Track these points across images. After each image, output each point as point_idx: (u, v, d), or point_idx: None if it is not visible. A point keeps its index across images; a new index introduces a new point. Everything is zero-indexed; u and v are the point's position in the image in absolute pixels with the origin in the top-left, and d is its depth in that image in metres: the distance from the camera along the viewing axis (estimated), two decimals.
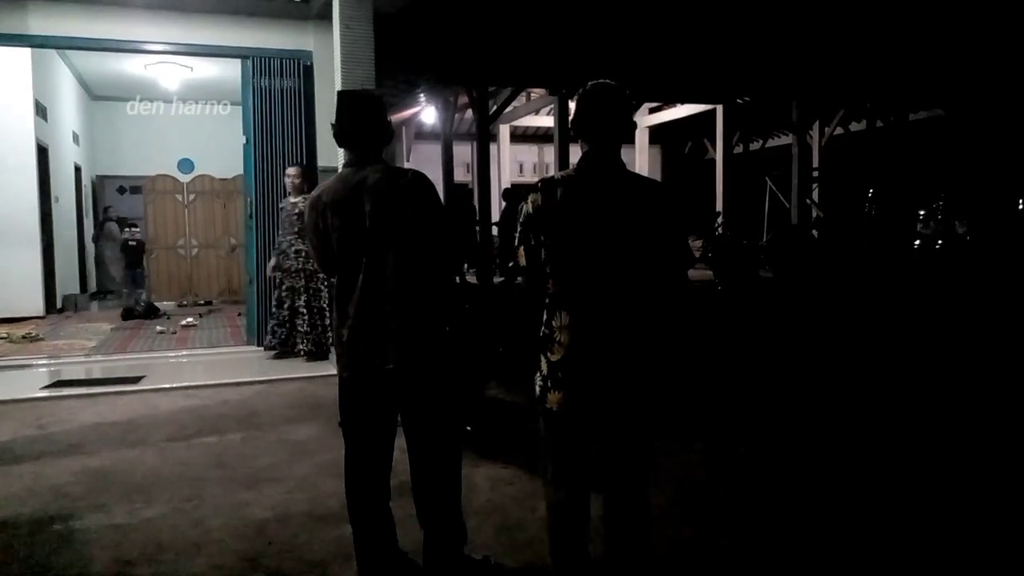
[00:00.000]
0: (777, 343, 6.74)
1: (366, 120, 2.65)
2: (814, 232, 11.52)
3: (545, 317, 2.40)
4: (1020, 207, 11.14)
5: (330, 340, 6.73)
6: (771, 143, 17.27)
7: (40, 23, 6.86)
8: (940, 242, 10.97)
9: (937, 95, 12.23)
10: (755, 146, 17.76)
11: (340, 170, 2.69)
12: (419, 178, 2.64)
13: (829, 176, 14.05)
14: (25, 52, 9.22)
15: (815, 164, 14.18)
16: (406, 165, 15.87)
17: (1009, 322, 7.10)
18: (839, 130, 14.48)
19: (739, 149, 16.67)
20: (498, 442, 4.43)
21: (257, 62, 7.41)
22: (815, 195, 13.76)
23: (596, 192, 2.30)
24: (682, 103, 14.35)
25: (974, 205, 11.33)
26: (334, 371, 2.71)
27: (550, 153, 15.84)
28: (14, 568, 2.95)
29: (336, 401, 2.75)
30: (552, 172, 14.57)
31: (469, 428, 4.55)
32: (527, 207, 2.38)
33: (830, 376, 5.88)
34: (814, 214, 13.04)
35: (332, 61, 6.41)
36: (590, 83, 2.39)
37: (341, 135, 2.68)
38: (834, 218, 11.99)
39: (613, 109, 2.35)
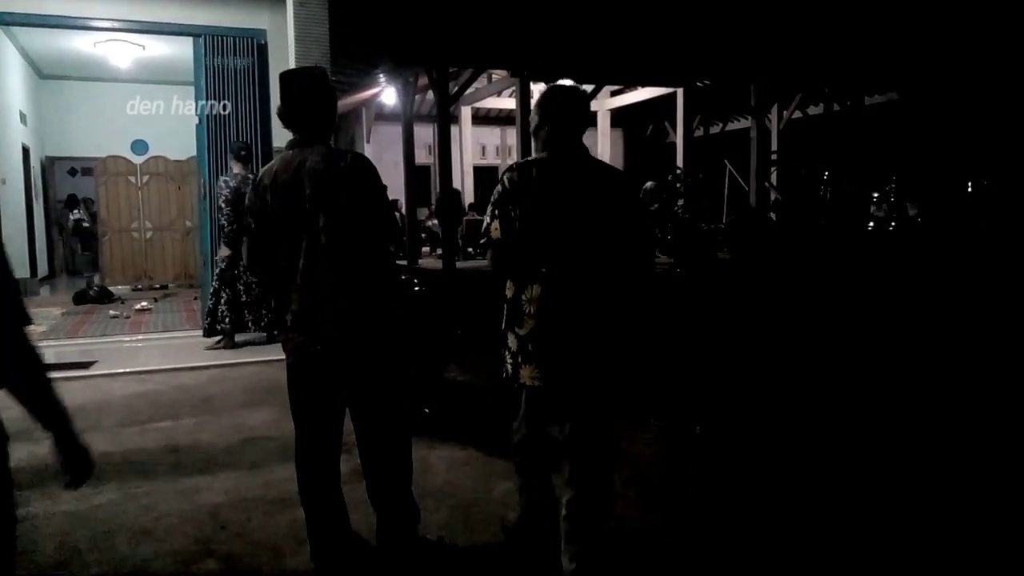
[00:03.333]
0: (735, 325, 6.83)
1: (308, 100, 2.61)
2: (772, 215, 11.67)
3: (514, 292, 2.49)
4: (970, 190, 11.40)
5: (226, 318, 6.64)
6: (731, 127, 17.42)
7: None
8: (893, 224, 11.19)
9: (892, 78, 12.43)
10: (715, 129, 17.91)
11: (283, 151, 2.66)
12: (359, 160, 2.61)
13: (787, 159, 14.21)
14: None
15: (773, 147, 14.33)
16: (366, 147, 15.70)
17: (958, 300, 7.28)
18: (797, 114, 14.65)
19: (699, 132, 16.79)
20: (456, 424, 4.43)
21: (209, 40, 7.24)
22: (773, 178, 13.92)
23: (567, 174, 2.51)
24: (643, 86, 14.36)
25: (925, 188, 11.57)
26: None
27: (513, 135, 15.77)
28: None
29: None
30: (515, 156, 14.33)
31: (427, 410, 4.56)
32: (503, 184, 2.52)
33: (787, 356, 5.98)
34: (772, 197, 13.19)
35: (287, 40, 6.31)
36: (554, 86, 2.66)
37: (285, 116, 2.64)
38: (791, 201, 12.15)
39: (580, 108, 2.62)
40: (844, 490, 3.47)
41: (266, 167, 2.66)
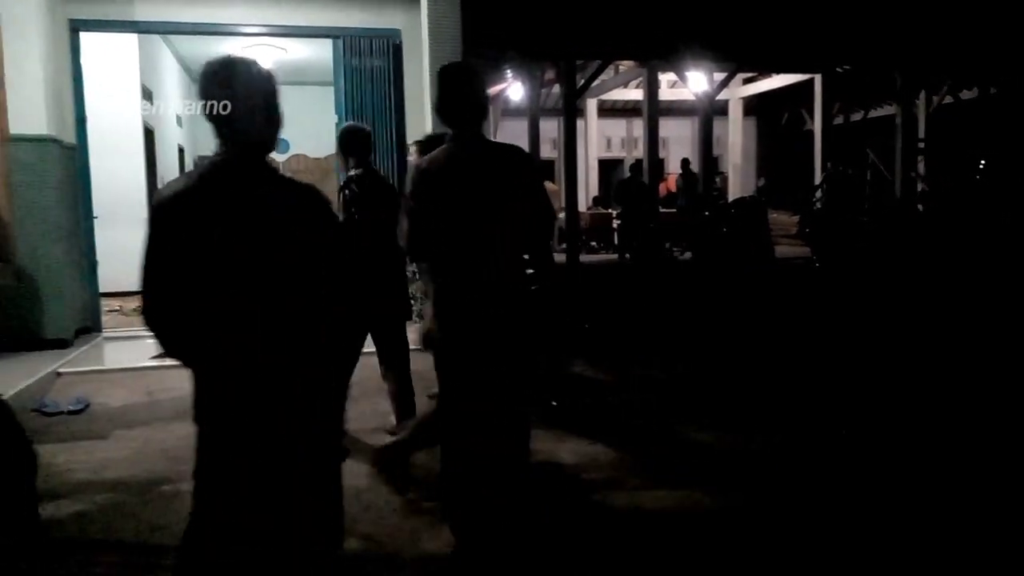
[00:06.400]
0: (880, 321, 6.46)
1: (467, 94, 2.71)
2: (919, 206, 10.97)
3: None
4: None
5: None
6: (873, 113, 16.47)
7: (145, 9, 7.17)
8: None
9: None
10: (856, 117, 16.99)
11: (445, 145, 2.75)
12: (523, 153, 2.80)
13: (936, 147, 13.31)
14: (132, 38, 9.64)
15: (921, 135, 13.45)
16: None
17: None
18: (948, 98, 13.67)
19: (839, 120, 15.97)
20: (583, 418, 4.41)
21: (347, 41, 7.52)
22: (920, 167, 13.07)
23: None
24: (778, 72, 13.84)
25: None
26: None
27: (639, 127, 15.56)
28: (128, 524, 3.13)
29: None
30: (641, 148, 14.05)
31: (555, 403, 4.56)
32: None
33: (937, 358, 5.60)
34: (919, 187, 12.40)
35: (420, 39, 6.46)
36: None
37: (443, 110, 2.73)
38: (941, 191, 11.36)
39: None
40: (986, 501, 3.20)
41: (429, 157, 2.77)
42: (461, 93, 2.70)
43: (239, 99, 1.87)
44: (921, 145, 13.22)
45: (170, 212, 1.84)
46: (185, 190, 1.85)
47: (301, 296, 1.87)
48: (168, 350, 1.91)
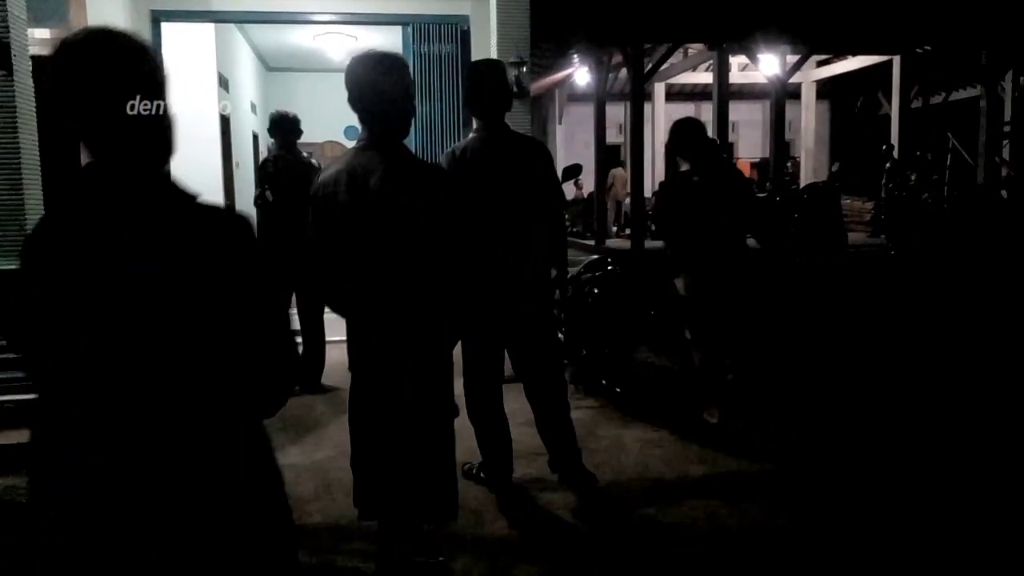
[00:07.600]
0: (956, 312, 6.24)
1: (496, 88, 2.99)
2: (1003, 193, 10.51)
3: None
4: None
5: None
6: (955, 96, 15.79)
7: None
8: None
9: None
10: (936, 99, 16.32)
11: (473, 133, 3.03)
12: (542, 144, 3.21)
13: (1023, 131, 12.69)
14: (209, 28, 9.94)
15: (1007, 118, 12.84)
16: (558, 127, 15.85)
17: None
18: None
19: (918, 103, 15.37)
20: (647, 406, 4.41)
21: (417, 28, 7.61)
22: (1005, 152, 12.50)
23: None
24: (854, 54, 13.38)
25: None
26: None
27: (708, 111, 15.28)
28: None
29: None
30: (711, 131, 13.90)
31: (618, 390, 4.57)
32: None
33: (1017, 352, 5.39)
34: (1003, 173, 11.86)
35: (488, 25, 6.49)
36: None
37: (469, 102, 3.05)
38: None
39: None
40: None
41: (460, 143, 3.06)
42: (485, 88, 2.97)
43: (367, 91, 2.21)
44: (1007, 129, 12.63)
45: (319, 195, 2.20)
46: (331, 176, 2.19)
47: (423, 259, 2.19)
48: (332, 308, 2.43)
